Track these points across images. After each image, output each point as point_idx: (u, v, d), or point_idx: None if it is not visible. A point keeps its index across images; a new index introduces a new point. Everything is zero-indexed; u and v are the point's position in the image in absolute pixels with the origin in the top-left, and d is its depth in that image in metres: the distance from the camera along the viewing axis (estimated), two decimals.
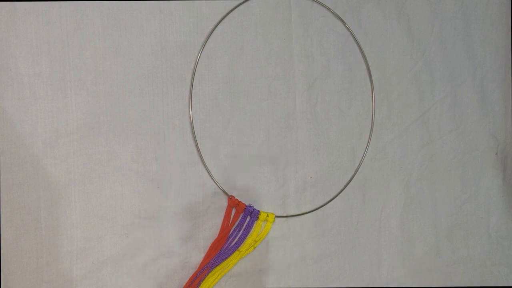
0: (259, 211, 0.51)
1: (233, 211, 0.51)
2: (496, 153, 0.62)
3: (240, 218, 0.52)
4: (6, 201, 0.45)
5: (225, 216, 0.51)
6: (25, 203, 0.45)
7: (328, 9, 0.55)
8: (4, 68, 0.45)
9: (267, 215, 0.52)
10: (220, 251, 0.50)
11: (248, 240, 0.52)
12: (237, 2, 0.52)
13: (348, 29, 0.56)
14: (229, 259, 0.51)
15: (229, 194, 0.51)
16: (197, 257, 0.50)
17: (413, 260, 0.59)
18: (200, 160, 0.51)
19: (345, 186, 0.56)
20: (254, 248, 0.52)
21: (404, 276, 0.59)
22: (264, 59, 0.53)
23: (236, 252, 0.51)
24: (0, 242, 0.45)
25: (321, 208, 0.55)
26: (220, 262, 0.50)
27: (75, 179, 0.47)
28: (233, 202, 0.51)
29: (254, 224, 0.52)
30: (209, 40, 0.51)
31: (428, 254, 0.60)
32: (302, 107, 0.54)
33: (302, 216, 0.54)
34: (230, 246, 0.51)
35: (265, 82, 0.53)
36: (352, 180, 0.56)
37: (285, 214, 0.54)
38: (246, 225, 0.51)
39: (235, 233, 0.51)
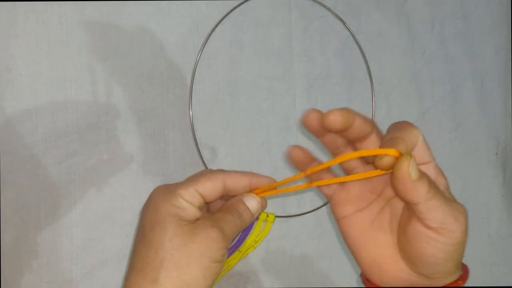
0: None
1: None
2: (496, 153, 0.62)
3: None
4: (6, 201, 0.45)
5: None
6: (25, 203, 0.45)
7: (328, 9, 0.55)
8: (4, 68, 0.45)
9: (267, 215, 0.52)
10: None
11: (248, 240, 0.52)
12: (237, 2, 0.52)
13: (348, 29, 0.56)
14: (229, 259, 0.51)
15: None
16: None
17: None
18: (200, 160, 0.50)
19: None
20: (254, 248, 0.52)
21: None
22: (264, 59, 0.53)
23: (236, 252, 0.51)
24: (0, 242, 0.45)
25: (321, 208, 0.55)
26: None
27: (75, 179, 0.47)
28: None
29: (254, 224, 0.52)
30: (209, 40, 0.51)
31: None
32: (302, 107, 0.54)
33: (302, 216, 0.54)
34: (230, 246, 0.51)
35: (265, 82, 0.53)
36: None
37: (285, 214, 0.54)
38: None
39: None
